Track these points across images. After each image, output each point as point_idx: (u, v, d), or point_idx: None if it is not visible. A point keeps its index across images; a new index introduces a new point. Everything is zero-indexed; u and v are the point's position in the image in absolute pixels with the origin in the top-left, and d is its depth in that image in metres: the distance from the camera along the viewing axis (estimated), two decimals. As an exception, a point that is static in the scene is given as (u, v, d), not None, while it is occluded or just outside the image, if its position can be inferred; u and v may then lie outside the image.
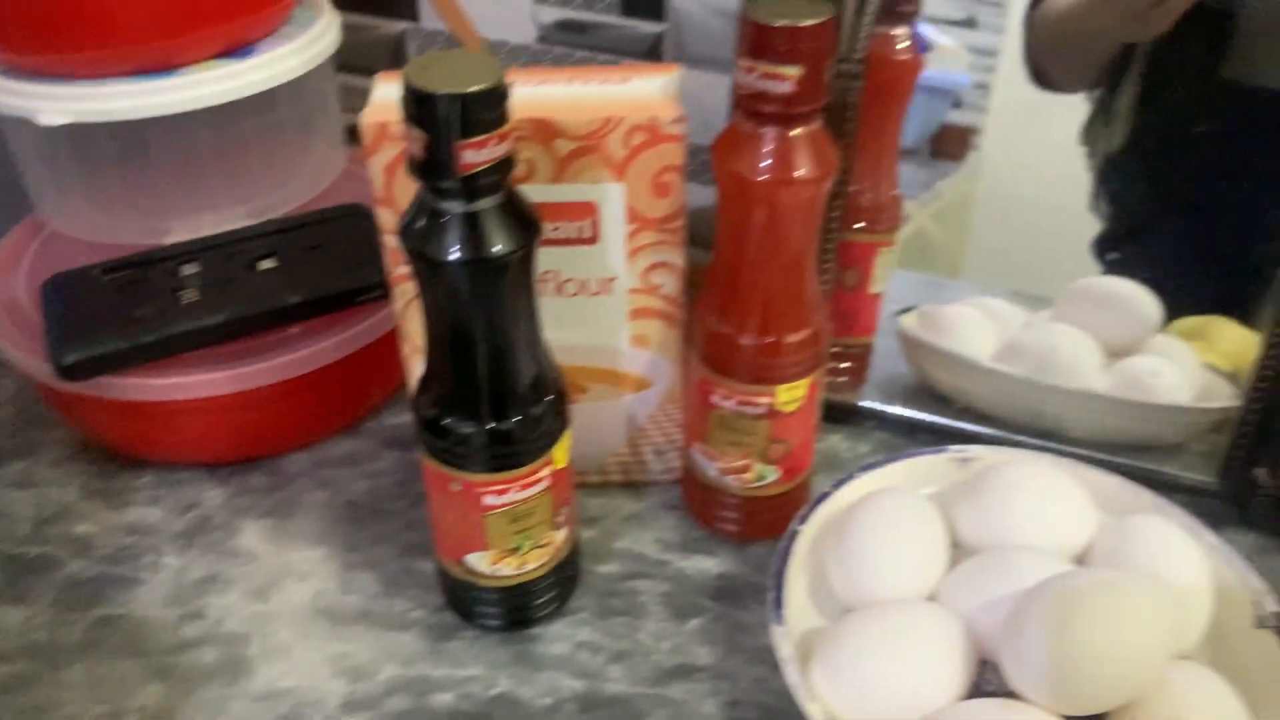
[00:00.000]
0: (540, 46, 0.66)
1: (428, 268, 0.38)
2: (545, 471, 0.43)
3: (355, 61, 0.68)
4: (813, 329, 0.46)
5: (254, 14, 0.57)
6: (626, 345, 0.49)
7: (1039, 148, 0.62)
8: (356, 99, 0.73)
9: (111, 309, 0.51)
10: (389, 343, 0.55)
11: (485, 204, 0.37)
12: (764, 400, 0.47)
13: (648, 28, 0.63)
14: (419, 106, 0.35)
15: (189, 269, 0.53)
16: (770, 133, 0.41)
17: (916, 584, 0.45)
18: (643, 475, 0.54)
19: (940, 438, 0.58)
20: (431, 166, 0.36)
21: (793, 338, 0.46)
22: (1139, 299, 0.62)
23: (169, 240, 0.58)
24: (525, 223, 0.38)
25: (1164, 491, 0.54)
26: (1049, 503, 0.48)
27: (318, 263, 0.54)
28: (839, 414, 0.59)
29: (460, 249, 0.37)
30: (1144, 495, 0.49)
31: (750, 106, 0.41)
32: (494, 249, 0.37)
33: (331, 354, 0.53)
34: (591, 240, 0.46)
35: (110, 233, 0.59)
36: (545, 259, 0.46)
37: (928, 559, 0.46)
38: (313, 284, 0.53)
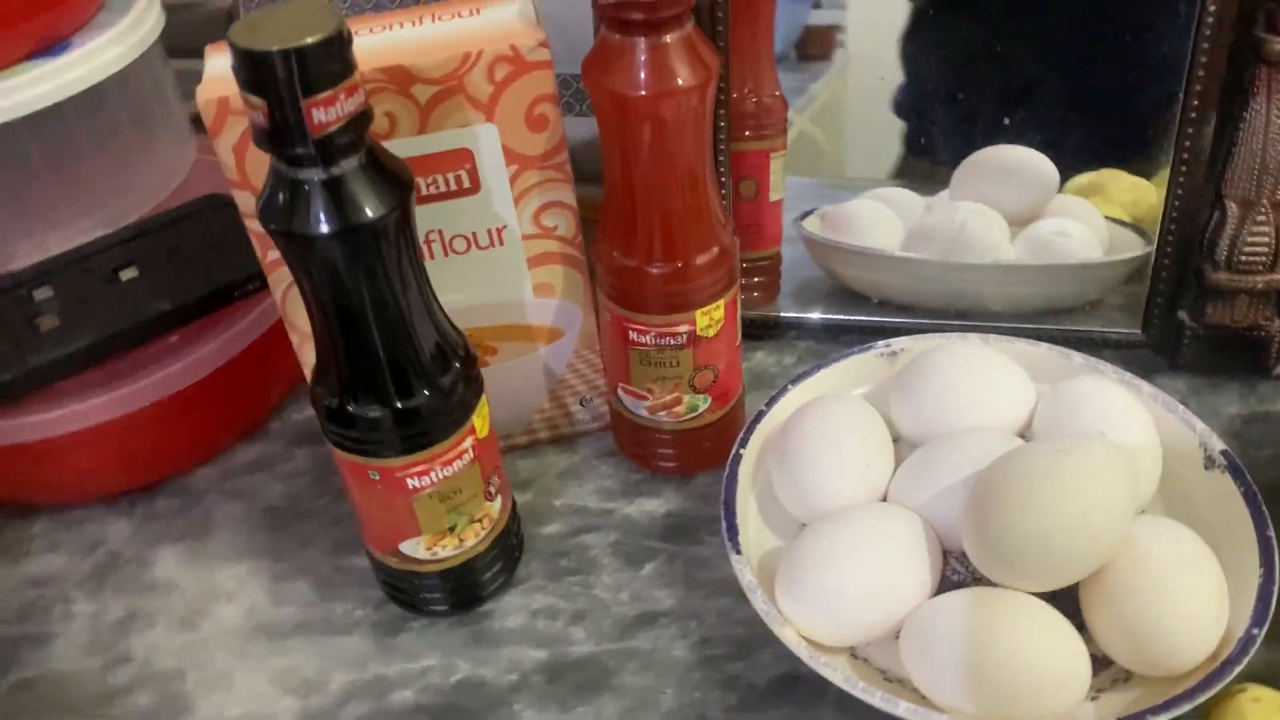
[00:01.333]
0: (386, -7, 0.62)
1: (297, 246, 0.35)
2: (468, 443, 0.41)
3: (189, 44, 0.63)
4: (720, 245, 0.44)
5: (61, 5, 0.52)
6: (530, 296, 0.47)
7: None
8: (196, 84, 0.68)
9: (-39, 350, 0.46)
10: (277, 335, 0.51)
11: (346, 166, 0.34)
12: (683, 329, 0.45)
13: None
14: (254, 70, 0.31)
15: (42, 293, 0.48)
16: (641, 43, 0.39)
17: (866, 488, 0.44)
18: (571, 428, 0.52)
19: (864, 336, 0.57)
20: (279, 134, 0.32)
21: (702, 258, 0.43)
22: (1036, 164, 0.61)
23: (15, 266, 0.54)
24: (395, 179, 0.35)
25: (1092, 350, 0.54)
26: (984, 382, 0.47)
27: (183, 264, 0.50)
28: (759, 329, 0.58)
29: (329, 220, 0.34)
30: (1075, 358, 0.49)
31: (615, 16, 0.38)
32: (366, 214, 0.34)
33: (216, 358, 0.49)
34: (473, 190, 0.43)
35: (-54, 268, 0.54)
36: (427, 217, 0.43)
37: (873, 460, 0.44)
38: (182, 287, 0.49)
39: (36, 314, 0.47)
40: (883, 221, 0.63)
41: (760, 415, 0.47)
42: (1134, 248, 0.57)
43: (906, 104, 0.60)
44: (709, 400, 0.47)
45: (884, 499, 0.44)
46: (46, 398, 0.47)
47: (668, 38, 0.39)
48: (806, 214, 0.64)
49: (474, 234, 0.44)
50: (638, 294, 0.44)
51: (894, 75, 0.61)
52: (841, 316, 0.58)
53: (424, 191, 0.42)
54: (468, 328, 0.47)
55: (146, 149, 0.56)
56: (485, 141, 0.42)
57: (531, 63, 0.40)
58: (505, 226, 0.44)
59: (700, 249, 0.43)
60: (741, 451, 0.46)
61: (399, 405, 0.38)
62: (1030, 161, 0.61)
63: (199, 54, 0.68)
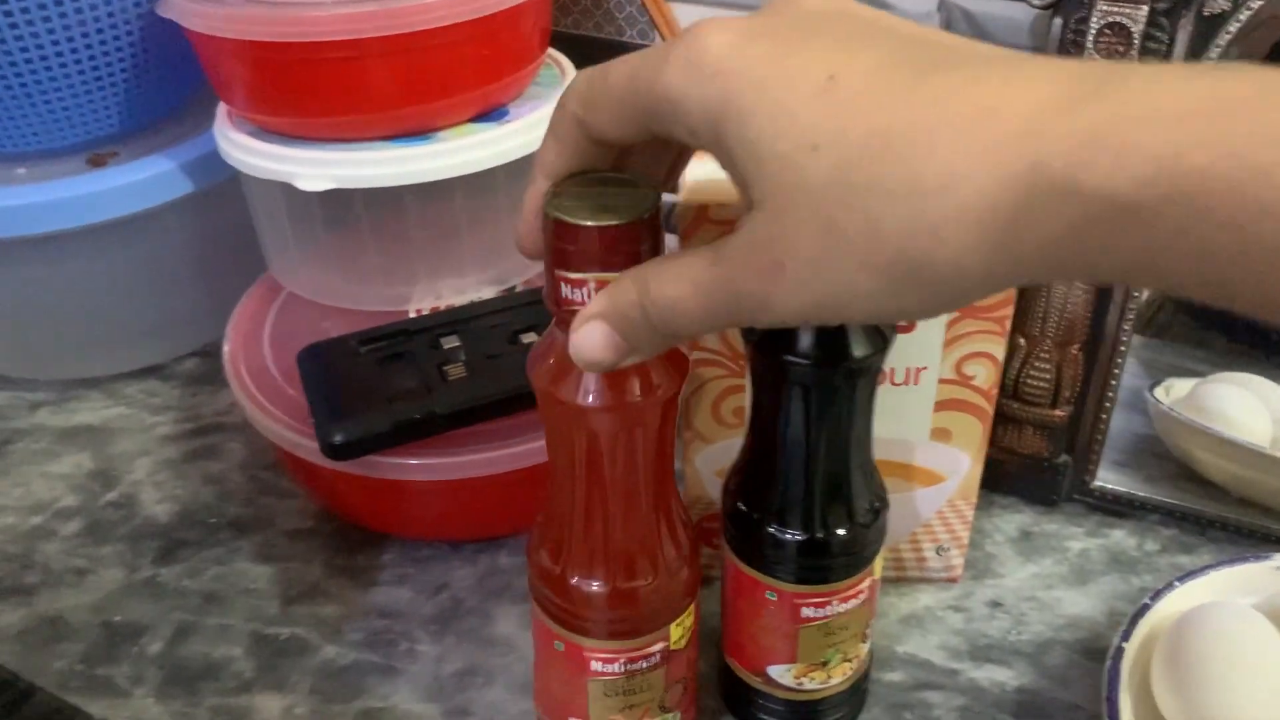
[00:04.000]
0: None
1: (781, 368, 0.35)
2: (865, 584, 0.40)
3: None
4: (690, 540, 0.38)
5: (508, 77, 0.55)
6: (926, 438, 0.46)
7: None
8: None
9: (376, 384, 0.49)
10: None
11: None
12: (657, 647, 0.37)
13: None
14: None
15: (449, 342, 0.51)
16: None
17: (1269, 715, 0.41)
18: (919, 573, 0.51)
19: (1234, 536, 0.53)
20: None
21: (675, 560, 0.37)
22: None
23: (409, 307, 0.57)
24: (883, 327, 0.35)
25: None
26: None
27: (579, 337, 0.51)
28: (1120, 506, 0.55)
29: (826, 352, 0.34)
30: None
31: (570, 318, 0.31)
32: (855, 352, 0.34)
33: (594, 434, 0.50)
34: (907, 329, 0.42)
35: (352, 298, 0.57)
36: (854, 347, 0.43)
37: (1278, 686, 0.41)
38: (578, 360, 0.50)
39: (445, 361, 0.49)
40: (1253, 412, 0.59)
41: (1145, 609, 0.45)
42: None
43: None
44: (679, 716, 0.41)
45: (1281, 732, 0.41)
46: (433, 443, 0.49)
47: None
48: (1154, 384, 0.62)
49: (892, 370, 0.44)
50: (602, 620, 0.37)
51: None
52: (1215, 511, 0.54)
53: (862, 322, 0.42)
54: (854, 457, 0.46)
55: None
56: (937, 285, 0.41)
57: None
58: (925, 368, 0.44)
59: (674, 558, 0.37)
60: (1124, 646, 0.43)
61: (820, 535, 0.38)
62: None
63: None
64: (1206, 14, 0.45)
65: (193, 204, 0.61)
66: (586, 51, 0.66)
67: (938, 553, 0.50)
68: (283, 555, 0.54)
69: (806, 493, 0.38)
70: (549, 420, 0.35)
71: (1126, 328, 0.50)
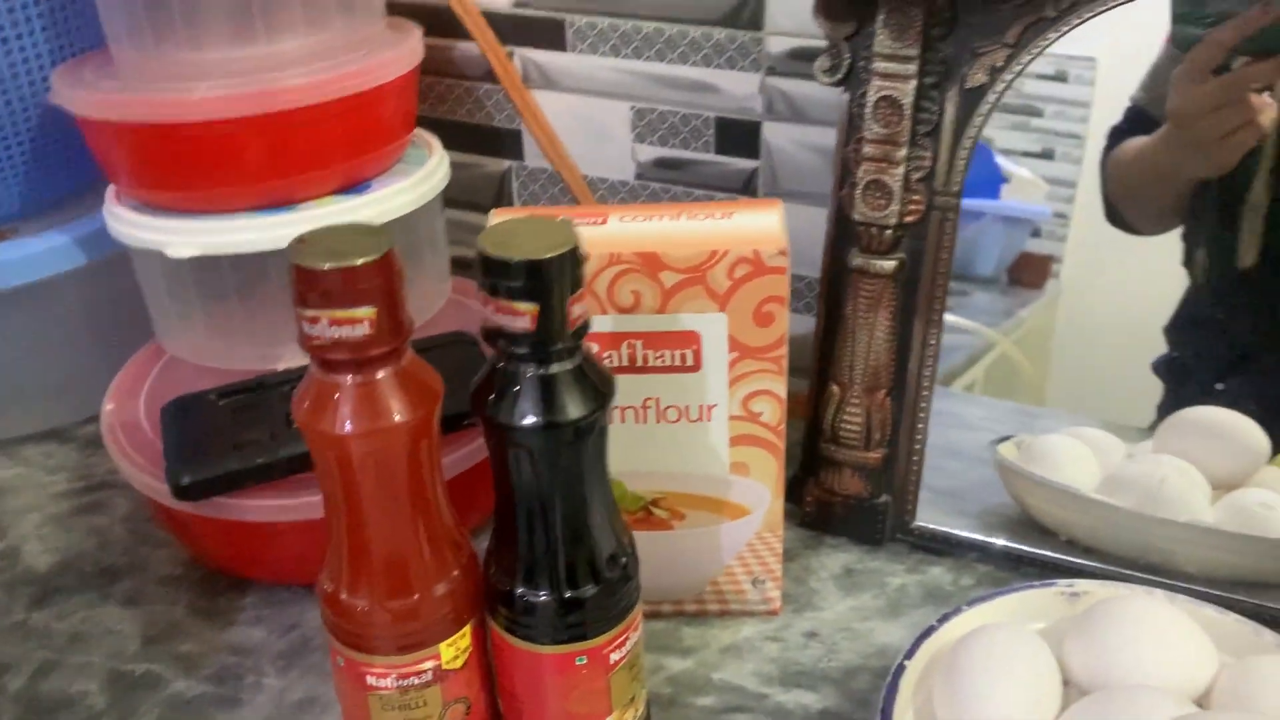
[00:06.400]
0: (638, 183, 0.69)
1: (503, 434, 0.38)
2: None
3: (461, 197, 0.71)
4: (460, 568, 0.41)
5: (370, 153, 0.60)
6: (726, 472, 0.50)
7: (1118, 276, 0.63)
8: (461, 232, 0.77)
9: (227, 432, 0.52)
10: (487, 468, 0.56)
11: (568, 365, 0.37)
12: (428, 665, 0.41)
13: (742, 164, 0.65)
14: (531, 277, 0.35)
15: (301, 394, 0.55)
16: (350, 381, 0.36)
17: (1030, 725, 0.44)
18: (740, 605, 0.54)
19: (1046, 571, 0.57)
20: (543, 333, 0.36)
21: (440, 589, 0.40)
22: (1247, 430, 0.60)
23: (280, 366, 0.61)
24: (604, 380, 0.39)
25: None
26: (1167, 641, 0.46)
27: (424, 388, 0.55)
28: (939, 545, 0.58)
29: (540, 412, 0.37)
30: (1265, 635, 0.47)
31: (324, 356, 0.36)
32: (570, 413, 0.37)
33: (434, 478, 0.54)
34: (694, 368, 0.47)
35: (226, 359, 0.61)
36: (648, 385, 0.47)
37: (1041, 698, 0.44)
38: (419, 409, 0.54)
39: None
40: (1080, 461, 0.63)
41: (930, 630, 0.48)
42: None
43: None
44: None
45: (1045, 741, 0.44)
46: (282, 485, 0.53)
47: (380, 374, 0.36)
48: (1003, 439, 0.65)
49: (686, 407, 0.48)
50: (373, 635, 0.40)
51: (1105, 312, 0.63)
52: (1025, 548, 0.58)
53: (650, 363, 0.46)
54: (664, 491, 0.50)
55: (411, 283, 0.63)
56: (714, 328, 0.46)
57: (769, 267, 0.44)
58: (716, 405, 0.48)
59: (437, 579, 0.40)
60: (906, 663, 0.46)
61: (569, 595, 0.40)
62: (1240, 427, 0.61)
63: (468, 206, 0.76)
64: (968, 87, 0.50)
65: (88, 274, 0.66)
66: (458, 135, 0.72)
67: (753, 585, 0.53)
68: (149, 599, 0.57)
69: (548, 553, 0.40)
70: (315, 453, 0.38)
71: (928, 373, 0.55)
